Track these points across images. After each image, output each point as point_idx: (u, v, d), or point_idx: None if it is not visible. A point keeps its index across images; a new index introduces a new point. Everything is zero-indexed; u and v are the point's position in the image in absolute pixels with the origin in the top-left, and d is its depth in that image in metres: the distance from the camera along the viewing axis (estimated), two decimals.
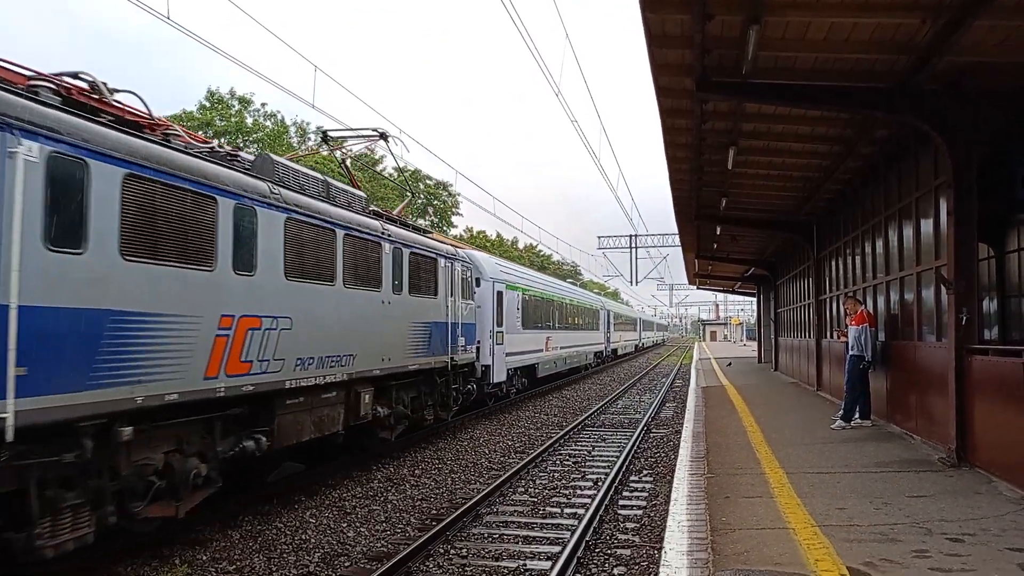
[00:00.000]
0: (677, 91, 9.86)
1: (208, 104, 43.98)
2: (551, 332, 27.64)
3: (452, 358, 14.92)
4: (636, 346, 65.85)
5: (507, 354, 20.50)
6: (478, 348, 17.56)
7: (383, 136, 14.04)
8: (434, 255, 14.15)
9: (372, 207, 12.33)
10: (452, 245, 17.21)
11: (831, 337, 16.67)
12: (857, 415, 11.98)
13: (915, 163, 10.96)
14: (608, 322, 45.10)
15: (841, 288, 16.12)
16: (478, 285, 17.90)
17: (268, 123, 46.59)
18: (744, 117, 11.01)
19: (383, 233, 11.75)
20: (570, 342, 31.71)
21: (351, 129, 14.26)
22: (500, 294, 20.25)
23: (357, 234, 10.77)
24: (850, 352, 12.02)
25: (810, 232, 18.48)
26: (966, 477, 8.01)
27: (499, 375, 19.66)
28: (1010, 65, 8.10)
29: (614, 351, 48.48)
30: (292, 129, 51.05)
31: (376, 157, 54.58)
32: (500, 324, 19.94)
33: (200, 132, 40.64)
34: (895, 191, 11.99)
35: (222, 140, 41.50)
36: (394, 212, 15.14)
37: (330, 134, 14.31)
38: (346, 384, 10.59)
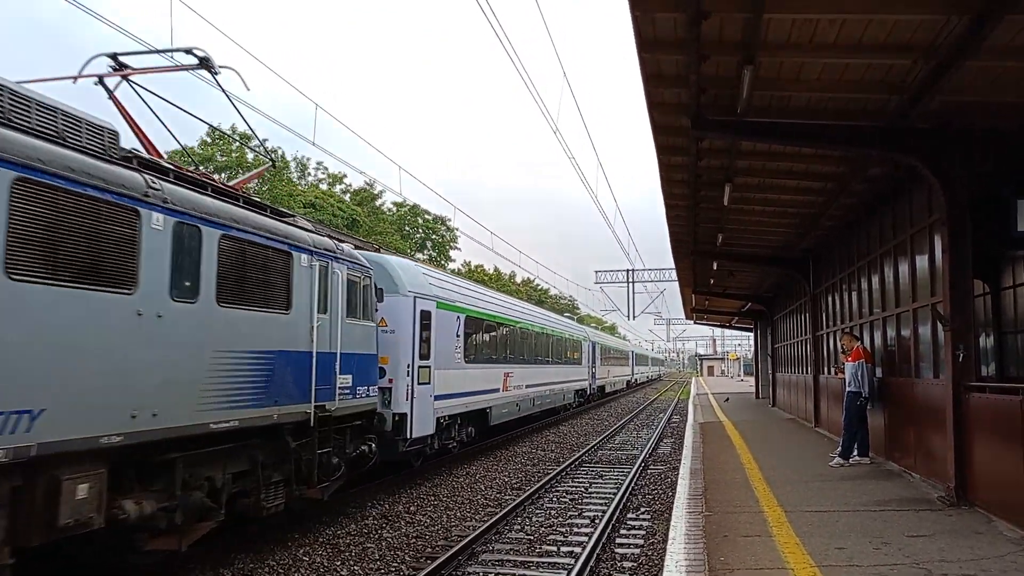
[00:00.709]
0: (673, 129, 9.98)
1: (209, 140, 44.35)
2: (512, 367, 21.74)
3: (322, 406, 9.67)
4: (628, 382, 59.38)
5: (436, 397, 14.98)
6: (388, 389, 13.24)
7: (204, 63, 9.33)
8: (286, 246, 9.06)
9: (134, 154, 7.48)
10: (337, 237, 12.22)
11: (828, 373, 16.64)
12: (855, 452, 11.91)
13: (909, 200, 11.05)
14: (593, 355, 39.30)
15: (838, 324, 16.13)
16: (381, 299, 12.48)
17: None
18: (739, 154, 11.12)
19: (147, 194, 6.84)
20: (542, 378, 25.93)
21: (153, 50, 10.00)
22: (426, 314, 14.81)
23: (54, 183, 5.92)
24: (847, 388, 11.99)
25: (806, 268, 18.54)
26: (966, 516, 7.94)
27: (422, 427, 14.20)
28: (1002, 104, 8.22)
29: (601, 388, 42.72)
30: (292, 164, 51.48)
31: (375, 192, 55.01)
32: (426, 356, 14.61)
33: (202, 167, 41.06)
34: (890, 228, 12.07)
35: (223, 175, 41.83)
36: (219, 178, 10.56)
37: (121, 58, 8.89)
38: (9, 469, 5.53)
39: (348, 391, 10.50)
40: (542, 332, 26.90)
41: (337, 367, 10.07)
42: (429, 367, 14.73)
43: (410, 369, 13.89)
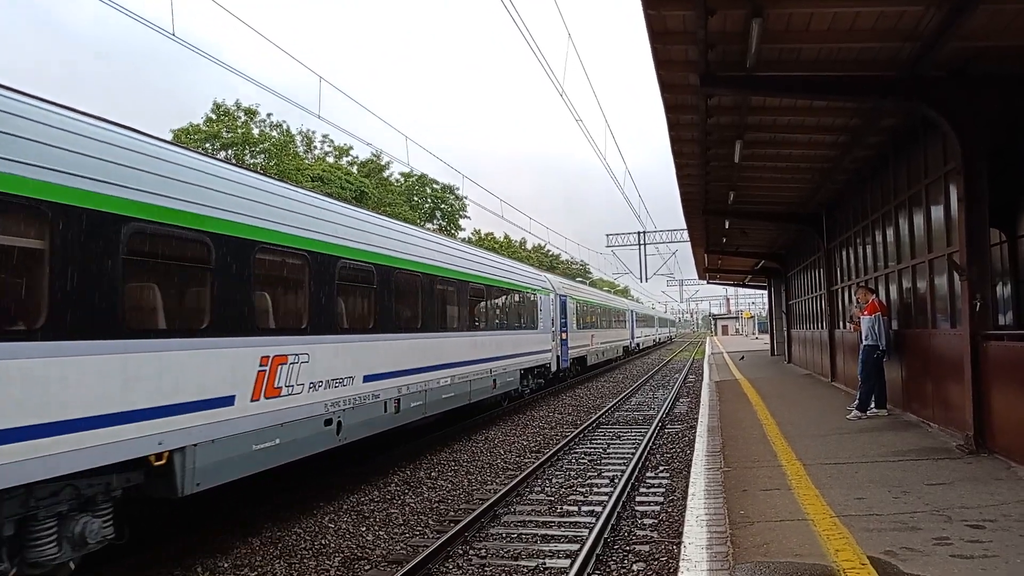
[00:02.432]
0: (681, 87, 9.87)
1: (215, 117, 44.22)
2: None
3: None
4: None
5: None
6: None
7: None
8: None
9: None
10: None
11: (844, 327, 16.60)
12: (873, 404, 11.93)
13: (924, 150, 10.91)
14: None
15: (853, 278, 16.06)
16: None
17: (274, 133, 46.79)
18: (750, 110, 11.00)
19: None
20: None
21: None
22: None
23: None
24: (864, 342, 11.97)
25: (820, 223, 18.42)
26: (985, 463, 7.97)
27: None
28: (1017, 48, 8.06)
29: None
30: (298, 138, 51.31)
31: (383, 163, 54.85)
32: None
33: (207, 144, 40.98)
34: (904, 179, 11.95)
35: (228, 152, 41.77)
36: None
37: None
38: None
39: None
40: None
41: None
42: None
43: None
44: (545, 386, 24.44)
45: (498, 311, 18.75)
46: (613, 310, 42.82)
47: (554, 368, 24.45)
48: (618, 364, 43.23)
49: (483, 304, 17.28)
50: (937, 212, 10.50)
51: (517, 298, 20.29)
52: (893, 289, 13.00)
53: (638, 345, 55.67)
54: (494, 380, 17.48)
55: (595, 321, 34.94)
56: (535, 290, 22.80)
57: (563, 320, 26.50)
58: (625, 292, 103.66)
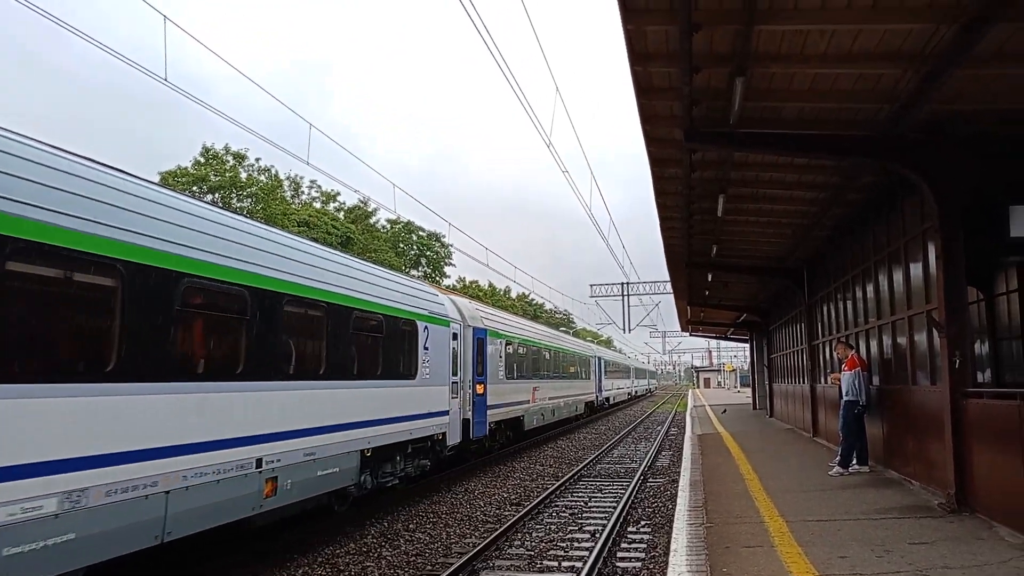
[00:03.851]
0: (666, 141, 10.03)
1: (203, 160, 44.34)
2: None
3: None
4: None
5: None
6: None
7: None
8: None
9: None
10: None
11: (825, 382, 16.64)
12: (855, 461, 11.89)
13: (902, 209, 11.11)
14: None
15: (834, 333, 16.15)
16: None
17: (262, 178, 46.94)
18: (733, 166, 11.19)
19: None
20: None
21: None
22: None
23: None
24: (844, 397, 11.99)
25: (801, 278, 18.60)
26: (967, 523, 7.93)
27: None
28: (991, 111, 8.29)
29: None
30: (286, 183, 51.48)
31: (369, 209, 55.07)
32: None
33: (195, 187, 41.02)
34: (883, 236, 12.12)
35: (215, 196, 41.79)
36: None
37: None
38: None
39: None
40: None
41: None
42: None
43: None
44: (432, 471, 15.33)
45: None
46: (569, 355, 31.97)
47: (454, 440, 15.75)
48: (618, 408, 41.33)
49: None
50: (916, 269, 10.64)
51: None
52: (873, 345, 13.08)
53: (607, 400, 45.90)
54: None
55: (541, 369, 26.59)
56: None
57: (478, 366, 18.11)
58: (608, 343, 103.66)
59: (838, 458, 12.03)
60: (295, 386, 9.39)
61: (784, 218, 14.19)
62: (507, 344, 21.25)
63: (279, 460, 8.81)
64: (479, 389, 17.77)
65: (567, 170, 19.78)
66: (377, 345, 12.02)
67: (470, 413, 17.02)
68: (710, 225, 14.91)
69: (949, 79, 7.31)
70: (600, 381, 41.67)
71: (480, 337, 18.39)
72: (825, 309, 17.36)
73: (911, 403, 10.82)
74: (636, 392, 70.98)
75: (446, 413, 15.09)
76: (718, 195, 12.13)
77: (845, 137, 9.19)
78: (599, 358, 42.35)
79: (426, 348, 13.96)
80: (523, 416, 22.80)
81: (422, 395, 13.73)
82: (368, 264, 13.31)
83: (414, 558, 9.83)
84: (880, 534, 7.51)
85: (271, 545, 10.04)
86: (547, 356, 27.87)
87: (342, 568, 9.30)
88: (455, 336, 16.16)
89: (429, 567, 9.36)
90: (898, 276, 11.48)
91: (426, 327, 14.03)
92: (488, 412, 18.43)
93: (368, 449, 11.36)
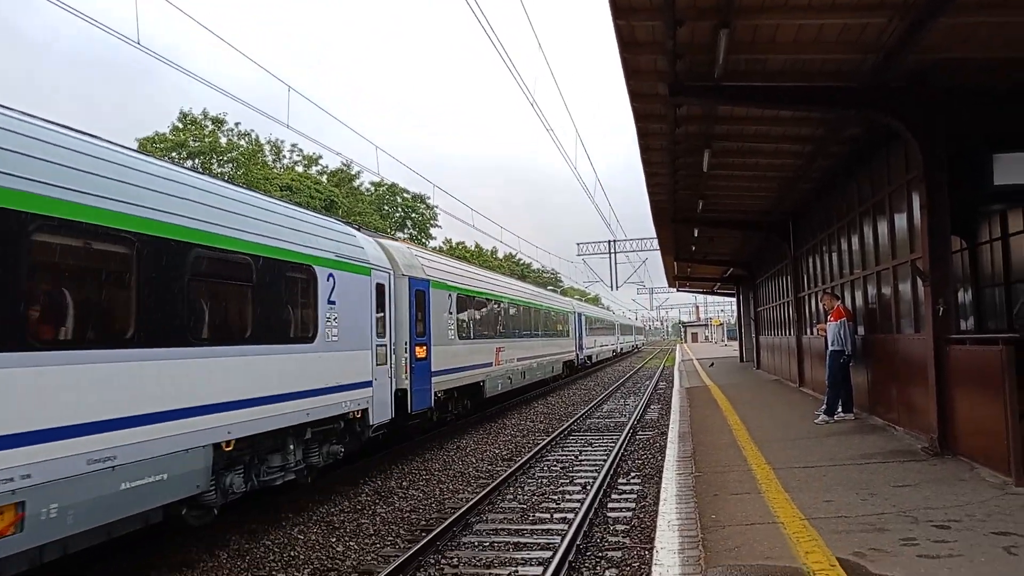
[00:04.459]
0: (650, 96, 9.97)
1: (181, 126, 43.70)
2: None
3: None
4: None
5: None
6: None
7: None
8: None
9: None
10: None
11: (811, 333, 16.85)
12: (840, 409, 12.10)
13: (886, 159, 11.14)
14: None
15: (819, 285, 16.30)
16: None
17: (242, 142, 46.36)
18: (717, 120, 11.14)
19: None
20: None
21: None
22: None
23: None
24: (830, 347, 12.16)
25: (786, 231, 18.68)
26: (949, 465, 8.12)
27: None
28: (975, 60, 8.28)
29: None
30: (267, 147, 50.90)
31: (353, 172, 54.60)
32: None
33: (174, 154, 40.46)
34: (868, 187, 12.18)
35: (196, 161, 41.26)
36: None
37: None
38: None
39: None
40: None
41: None
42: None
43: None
44: (347, 459, 12.00)
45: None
46: (542, 311, 28.56)
47: (382, 417, 12.35)
48: (605, 365, 39.06)
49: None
50: (900, 219, 10.72)
51: (224, 271, 8.49)
52: (859, 295, 13.22)
53: (589, 359, 42.60)
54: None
55: (505, 327, 22.81)
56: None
57: (419, 324, 14.73)
58: (596, 300, 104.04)
59: (824, 406, 12.24)
60: (67, 358, 6.05)
61: (769, 171, 14.20)
62: (458, 298, 17.55)
63: (28, 475, 5.50)
64: (420, 352, 14.46)
65: (551, 128, 19.66)
66: (244, 298, 8.73)
67: (407, 382, 13.72)
68: (696, 180, 14.90)
69: (933, 27, 7.27)
70: (581, 339, 38.85)
71: (420, 289, 14.84)
72: (811, 261, 17.49)
73: (896, 351, 10.98)
74: (622, 349, 69.67)
75: (368, 384, 11.72)
76: (703, 150, 12.11)
77: (830, 88, 9.15)
78: (579, 314, 39.02)
79: (331, 302, 10.56)
80: (484, 381, 19.42)
81: (327, 363, 10.37)
82: (228, 185, 9.63)
83: (408, 514, 9.99)
84: (865, 478, 7.69)
85: (263, 507, 10.16)
86: (513, 312, 24.07)
87: (337, 526, 9.44)
88: (381, 288, 12.63)
89: (423, 522, 9.52)
90: (883, 226, 11.56)
91: (331, 275, 10.58)
92: (433, 379, 15.12)
93: (228, 441, 8.07)
